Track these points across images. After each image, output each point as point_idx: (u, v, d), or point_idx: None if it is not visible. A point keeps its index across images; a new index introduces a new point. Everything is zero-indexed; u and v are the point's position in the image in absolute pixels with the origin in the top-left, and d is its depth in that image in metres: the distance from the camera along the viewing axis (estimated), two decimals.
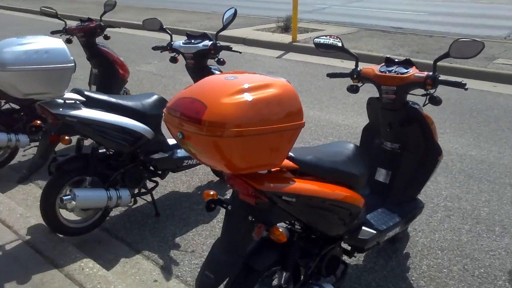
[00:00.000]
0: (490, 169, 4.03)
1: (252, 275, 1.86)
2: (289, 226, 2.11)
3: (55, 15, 4.69)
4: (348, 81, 2.72)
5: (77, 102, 2.81)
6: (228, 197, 1.86)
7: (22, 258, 2.70)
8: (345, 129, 4.98)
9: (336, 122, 5.18)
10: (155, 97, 3.20)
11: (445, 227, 3.19)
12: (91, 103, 2.87)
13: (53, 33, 4.44)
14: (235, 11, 3.39)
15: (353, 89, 2.71)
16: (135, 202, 3.26)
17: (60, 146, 4.24)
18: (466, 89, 2.46)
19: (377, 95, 2.69)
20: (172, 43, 3.49)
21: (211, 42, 3.34)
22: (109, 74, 4.51)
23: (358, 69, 2.68)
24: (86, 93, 2.89)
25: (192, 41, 3.43)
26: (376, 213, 2.61)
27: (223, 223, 1.82)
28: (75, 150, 2.98)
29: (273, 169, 1.80)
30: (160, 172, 3.30)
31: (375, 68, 2.63)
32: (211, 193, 1.89)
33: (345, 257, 2.46)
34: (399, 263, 2.82)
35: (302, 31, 10.07)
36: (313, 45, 2.86)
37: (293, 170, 1.88)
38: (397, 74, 2.52)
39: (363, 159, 2.20)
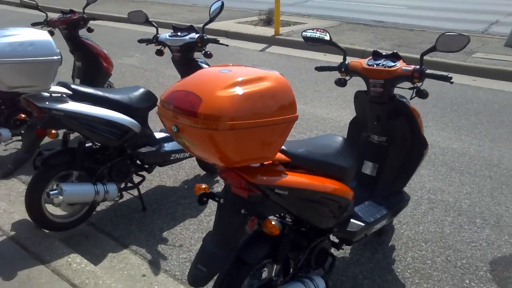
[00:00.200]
0: (471, 162, 4.11)
1: (244, 268, 1.87)
2: (279, 219, 2.12)
3: (36, 7, 4.59)
4: (334, 75, 2.74)
5: (64, 95, 2.76)
6: (218, 191, 1.86)
7: (7, 254, 2.66)
8: (329, 123, 5.01)
9: (320, 116, 5.21)
10: (141, 90, 3.17)
11: (429, 219, 3.25)
12: (77, 96, 2.83)
13: (34, 25, 4.31)
14: (222, 3, 3.36)
15: (341, 83, 2.72)
16: (122, 196, 3.23)
17: (45, 141, 4.16)
18: (451, 83, 2.50)
19: (363, 89, 2.71)
20: (158, 35, 3.46)
21: (198, 35, 3.32)
22: (93, 67, 4.45)
23: (346, 62, 2.70)
24: (72, 86, 2.85)
25: (179, 33, 3.40)
26: (364, 205, 2.65)
27: (215, 217, 1.82)
28: (61, 144, 2.94)
29: (265, 162, 1.80)
30: (147, 166, 3.28)
31: (363, 62, 2.65)
32: (203, 186, 1.89)
33: (332, 250, 2.49)
34: (384, 255, 2.87)
35: (284, 24, 10.07)
36: (295, 39, 2.87)
37: (285, 163, 1.89)
38: (385, 67, 2.55)
39: (352, 152, 2.22)
